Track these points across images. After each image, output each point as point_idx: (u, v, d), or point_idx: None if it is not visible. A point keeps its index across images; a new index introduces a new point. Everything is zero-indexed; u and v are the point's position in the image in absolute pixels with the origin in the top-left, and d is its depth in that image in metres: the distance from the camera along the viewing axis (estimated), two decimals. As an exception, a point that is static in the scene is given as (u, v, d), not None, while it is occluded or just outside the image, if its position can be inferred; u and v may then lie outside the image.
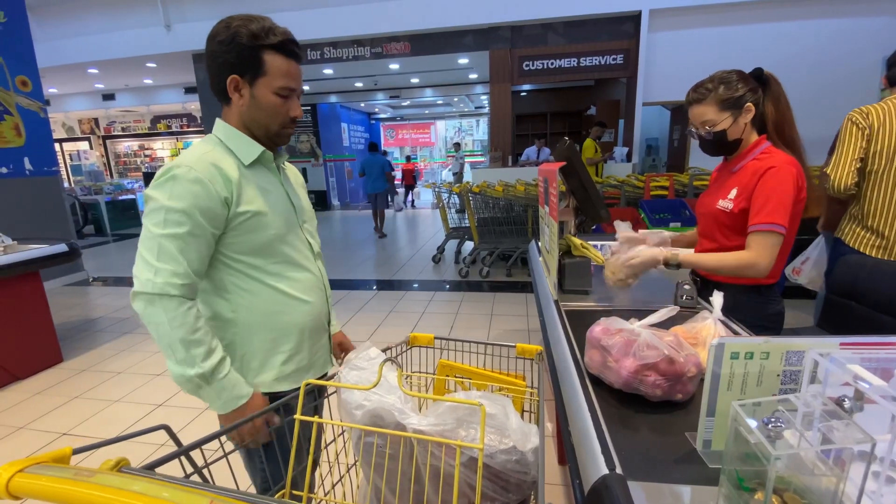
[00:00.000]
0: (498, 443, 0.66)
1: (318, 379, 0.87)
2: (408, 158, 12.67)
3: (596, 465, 0.62)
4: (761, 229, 1.14)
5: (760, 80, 1.22)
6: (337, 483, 0.86)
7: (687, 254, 1.26)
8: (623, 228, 1.37)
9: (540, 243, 1.79)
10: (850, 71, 5.51)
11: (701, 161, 5.63)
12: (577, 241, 1.40)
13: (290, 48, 0.87)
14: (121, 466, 0.47)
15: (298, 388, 0.69)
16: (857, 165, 1.69)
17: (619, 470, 0.60)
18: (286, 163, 1.05)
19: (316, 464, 0.93)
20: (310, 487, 0.77)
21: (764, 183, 1.15)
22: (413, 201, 11.75)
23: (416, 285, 4.58)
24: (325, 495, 0.81)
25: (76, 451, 0.48)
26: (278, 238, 0.93)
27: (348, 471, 0.90)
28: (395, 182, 9.33)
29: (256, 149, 0.91)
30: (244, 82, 0.87)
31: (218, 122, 0.94)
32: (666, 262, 1.24)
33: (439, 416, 0.68)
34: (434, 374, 1.10)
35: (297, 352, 0.98)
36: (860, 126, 1.67)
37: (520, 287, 4.34)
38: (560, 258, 1.29)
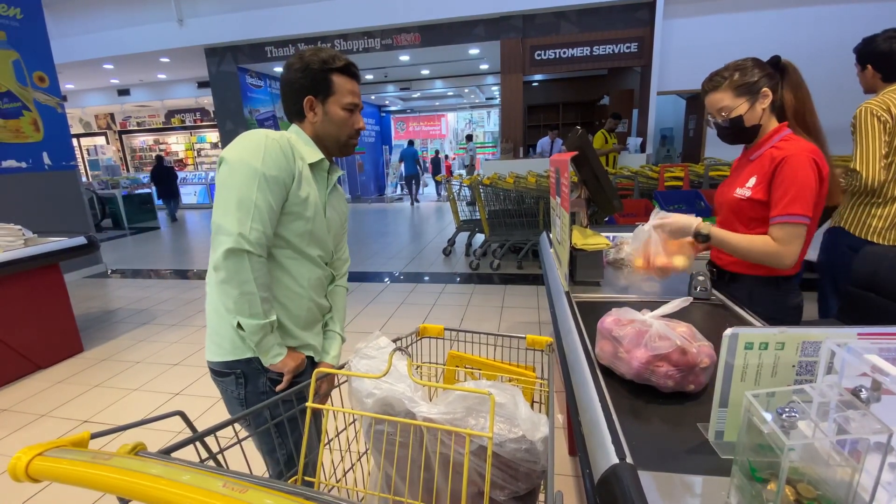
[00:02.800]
0: (507, 432, 0.66)
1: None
2: (436, 153, 13.22)
3: (606, 455, 0.62)
4: (785, 220, 1.12)
5: (777, 68, 1.20)
6: (349, 470, 0.88)
7: (717, 231, 1.20)
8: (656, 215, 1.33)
9: (551, 235, 1.78)
10: None
11: (717, 151, 5.52)
12: (588, 231, 1.39)
13: (352, 70, 1.02)
14: (137, 451, 0.48)
15: (310, 377, 0.70)
16: (886, 160, 1.67)
17: (629, 459, 0.60)
18: (338, 185, 1.13)
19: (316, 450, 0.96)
20: (322, 473, 0.78)
21: (784, 172, 1.13)
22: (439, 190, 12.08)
23: (426, 278, 4.60)
24: (338, 482, 0.82)
25: (94, 436, 0.49)
26: (307, 233, 1.00)
27: (360, 458, 0.92)
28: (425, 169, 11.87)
29: (317, 154, 1.02)
30: (318, 101, 1.01)
31: (294, 126, 1.05)
32: (697, 232, 1.19)
33: (449, 404, 0.68)
34: (444, 364, 1.10)
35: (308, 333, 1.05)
36: (882, 119, 1.65)
37: (531, 279, 4.32)
38: (571, 249, 1.28)
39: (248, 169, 0.88)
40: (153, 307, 4.02)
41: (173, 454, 0.54)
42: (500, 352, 1.12)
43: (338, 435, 0.86)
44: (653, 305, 1.21)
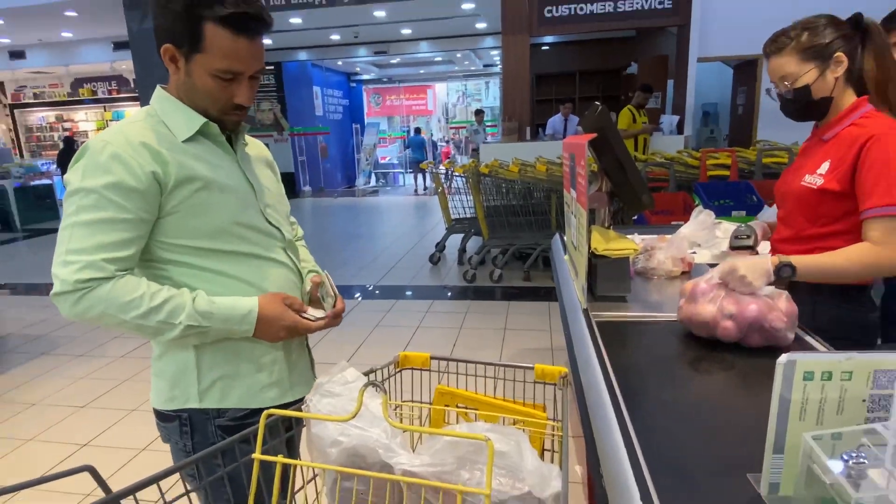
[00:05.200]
0: (510, 487, 0.67)
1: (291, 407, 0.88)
2: (416, 131, 13.87)
3: (634, 519, 0.62)
4: (883, 213, 1.13)
5: (858, 28, 1.23)
6: (307, 540, 0.87)
7: (801, 258, 1.16)
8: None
9: (565, 238, 1.80)
10: None
11: (773, 133, 5.63)
12: (610, 233, 1.41)
13: (242, 22, 0.86)
14: None
15: (263, 410, 0.70)
16: None
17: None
18: (248, 136, 1.08)
19: None
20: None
21: (872, 155, 1.15)
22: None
23: (408, 293, 4.60)
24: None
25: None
26: (233, 222, 0.96)
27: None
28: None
29: (197, 121, 0.95)
30: (180, 55, 0.90)
31: (157, 90, 0.98)
32: (777, 273, 1.14)
33: (436, 454, 0.69)
34: (430, 403, 1.11)
35: (269, 363, 1.03)
36: None
37: (541, 294, 4.35)
38: (590, 255, 1.29)
39: (70, 189, 0.87)
40: (53, 332, 3.96)
41: None
42: (502, 386, 1.12)
43: (294, 495, 0.85)
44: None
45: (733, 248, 1.48)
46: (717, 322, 1.07)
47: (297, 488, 0.88)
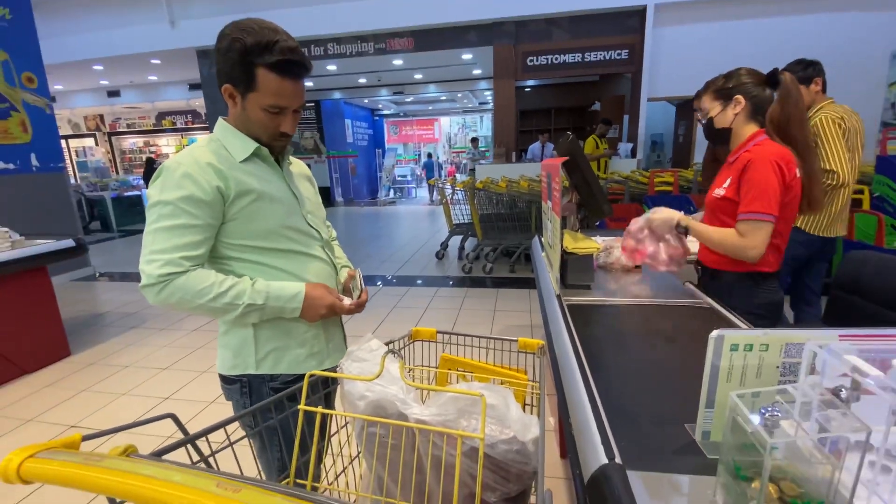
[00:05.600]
0: (499, 433, 0.66)
1: (329, 370, 0.89)
2: (429, 156, 14.32)
3: (595, 455, 0.63)
4: (747, 218, 1.20)
5: (772, 79, 1.26)
6: (340, 473, 0.88)
7: (697, 224, 1.32)
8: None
9: (543, 239, 1.79)
10: (857, 64, 5.44)
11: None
12: (578, 235, 1.40)
13: (286, 67, 0.85)
14: (129, 453, 0.48)
15: (310, 377, 0.70)
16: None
17: (618, 459, 0.61)
18: (292, 157, 1.08)
19: (321, 455, 0.95)
20: (315, 478, 0.78)
21: (748, 173, 1.20)
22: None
23: (419, 281, 4.60)
24: (329, 485, 0.82)
25: (86, 438, 0.49)
26: (281, 225, 0.96)
27: (352, 462, 0.92)
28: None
29: (251, 145, 0.94)
30: (237, 92, 0.89)
31: (219, 121, 0.98)
32: (678, 224, 1.31)
33: (441, 406, 0.68)
34: (436, 367, 1.10)
35: (311, 339, 1.02)
36: (842, 126, 1.94)
37: (523, 283, 4.34)
38: (562, 252, 1.29)
39: (151, 202, 0.87)
40: (141, 311, 3.97)
41: (164, 457, 0.54)
42: (493, 355, 1.12)
43: (330, 438, 0.86)
44: (641, 308, 1.23)
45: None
46: (633, 250, 1.35)
47: (332, 433, 0.88)
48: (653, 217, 1.32)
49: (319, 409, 0.68)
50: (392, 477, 0.72)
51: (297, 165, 1.10)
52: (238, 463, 0.69)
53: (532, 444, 0.67)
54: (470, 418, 0.68)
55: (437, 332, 1.15)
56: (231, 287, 0.89)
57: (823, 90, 2.05)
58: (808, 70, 2.02)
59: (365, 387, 0.71)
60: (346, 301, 1.04)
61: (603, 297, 1.32)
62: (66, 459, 0.39)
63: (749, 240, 1.19)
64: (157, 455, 0.54)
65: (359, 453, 0.90)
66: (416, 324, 3.42)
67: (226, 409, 2.25)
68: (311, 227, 1.04)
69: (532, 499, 0.80)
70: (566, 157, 1.23)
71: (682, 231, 1.31)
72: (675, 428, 0.70)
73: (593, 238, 1.49)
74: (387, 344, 0.95)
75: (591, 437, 0.66)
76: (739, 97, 1.26)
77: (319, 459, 0.94)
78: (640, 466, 0.60)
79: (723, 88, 1.28)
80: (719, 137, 1.32)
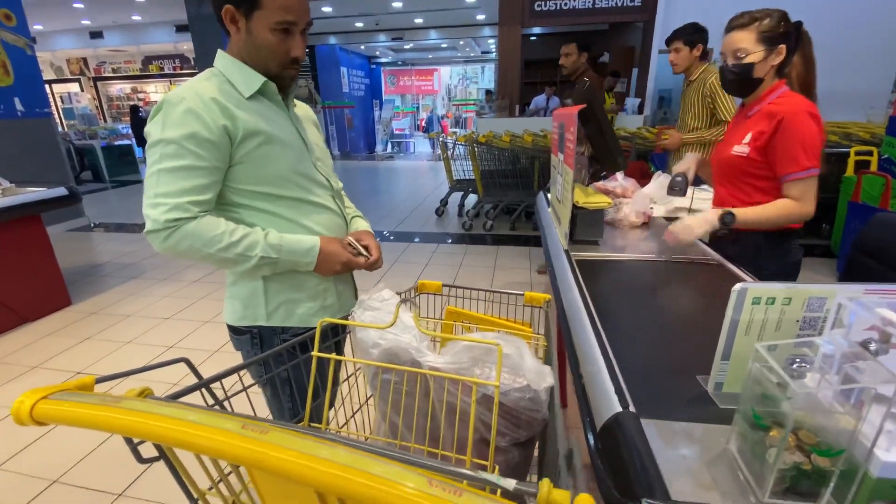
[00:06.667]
0: (512, 381, 0.67)
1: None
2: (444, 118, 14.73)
3: (609, 404, 0.63)
4: (800, 177, 1.13)
5: (798, 32, 1.18)
6: (351, 417, 0.89)
7: (747, 212, 1.19)
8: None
9: (550, 194, 1.76)
10: (872, 24, 5.16)
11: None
12: (589, 189, 1.37)
13: None
14: (145, 395, 0.48)
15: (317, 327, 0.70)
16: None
17: (631, 408, 0.61)
18: (296, 100, 1.01)
19: (332, 400, 0.97)
20: (326, 422, 0.80)
21: (788, 130, 1.13)
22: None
23: (418, 238, 4.58)
24: (340, 427, 0.84)
25: (99, 381, 0.48)
26: (292, 171, 0.91)
27: (360, 407, 0.93)
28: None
29: (257, 80, 0.87)
30: (240, 14, 0.82)
31: (219, 53, 0.90)
32: (721, 220, 1.17)
33: (455, 355, 0.68)
34: (442, 319, 1.11)
35: (322, 292, 1.00)
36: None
37: (523, 241, 4.33)
38: (573, 208, 1.26)
39: (152, 141, 0.81)
40: (141, 262, 3.96)
41: (180, 400, 0.54)
42: (496, 308, 1.12)
43: (341, 384, 0.87)
44: (650, 264, 1.22)
45: (669, 193, 1.49)
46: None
47: (342, 379, 0.89)
48: (681, 234, 1.17)
49: (333, 356, 0.68)
50: (405, 422, 0.73)
51: (302, 108, 1.05)
52: (252, 407, 0.70)
53: (545, 392, 0.68)
54: (483, 367, 0.68)
55: (444, 285, 1.16)
56: (243, 237, 0.85)
57: (703, 57, 2.48)
58: (694, 36, 2.41)
59: (378, 334, 0.71)
60: (361, 259, 1.02)
61: (611, 252, 1.31)
62: (81, 401, 0.38)
63: (807, 201, 1.13)
64: (174, 398, 0.54)
65: (367, 398, 0.92)
66: (417, 279, 3.43)
67: (232, 358, 2.28)
68: (321, 174, 1.00)
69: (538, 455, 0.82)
70: (583, 105, 1.17)
71: (730, 221, 1.16)
72: (686, 379, 0.70)
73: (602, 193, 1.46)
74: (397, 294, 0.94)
75: (604, 387, 0.67)
76: (782, 47, 1.15)
77: (331, 405, 0.96)
78: (652, 415, 0.61)
79: (770, 32, 1.14)
80: (747, 87, 1.22)
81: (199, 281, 3.47)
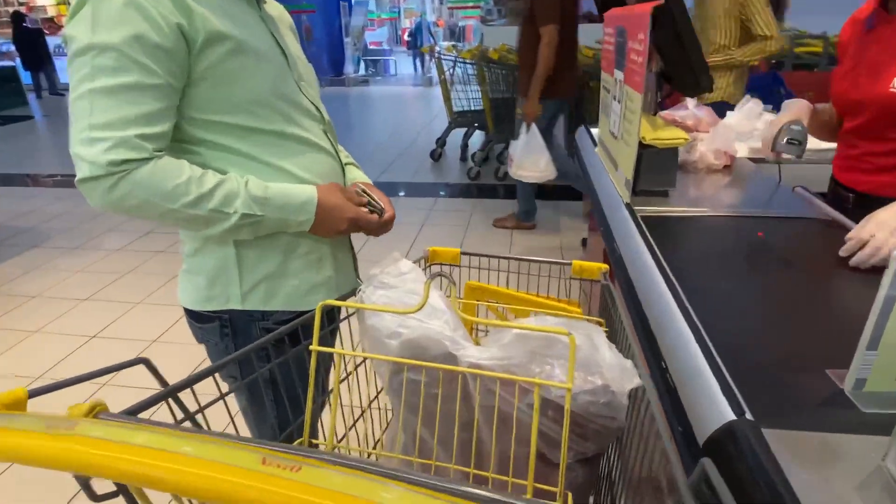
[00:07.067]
0: (582, 381, 0.65)
1: (342, 299, 0.85)
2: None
3: (715, 410, 0.61)
4: None
5: None
6: (350, 428, 0.88)
7: None
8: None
9: (599, 129, 1.70)
10: None
11: (802, 19, 5.26)
12: (658, 120, 1.32)
13: None
14: (98, 413, 0.45)
15: (312, 311, 0.66)
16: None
17: (749, 415, 0.59)
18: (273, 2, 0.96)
19: (323, 406, 0.95)
20: (313, 433, 0.78)
21: None
22: None
23: (410, 190, 4.52)
24: (339, 442, 0.83)
25: (32, 395, 0.45)
26: (271, 94, 0.86)
27: (361, 415, 0.92)
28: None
29: None
30: None
31: None
32: None
33: (504, 348, 0.66)
34: (461, 298, 1.09)
35: (316, 262, 0.97)
36: None
37: (550, 192, 4.27)
38: (639, 147, 1.21)
39: (79, 47, 0.73)
40: (43, 224, 3.89)
41: (140, 416, 0.51)
42: (527, 283, 1.09)
43: (339, 384, 0.85)
44: (740, 221, 1.19)
45: (779, 151, 1.29)
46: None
47: (341, 379, 0.87)
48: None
49: (339, 350, 0.66)
50: (432, 433, 0.71)
51: (274, 7, 0.98)
52: (233, 420, 0.68)
53: (627, 396, 0.66)
54: (543, 363, 0.66)
55: (462, 253, 1.13)
56: (217, 186, 0.80)
57: None
58: None
59: (397, 321, 0.68)
60: (373, 215, 0.99)
61: (686, 206, 1.28)
62: (23, 427, 0.35)
63: None
64: (131, 413, 0.51)
65: (370, 403, 0.90)
66: (410, 246, 3.41)
67: (181, 350, 2.27)
68: (308, 98, 0.94)
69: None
70: (657, 2, 1.10)
71: None
72: (812, 375, 0.68)
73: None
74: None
75: (707, 387, 0.65)
76: None
77: (319, 411, 0.94)
78: (774, 423, 0.59)
79: None
80: None
81: (122, 250, 3.43)
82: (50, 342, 2.47)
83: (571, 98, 3.48)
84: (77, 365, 2.27)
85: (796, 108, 1.32)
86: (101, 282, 3.00)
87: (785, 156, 1.29)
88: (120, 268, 3.16)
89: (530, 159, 3.25)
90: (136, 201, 0.76)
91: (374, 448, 0.89)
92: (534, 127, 3.21)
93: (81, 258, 3.32)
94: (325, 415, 0.94)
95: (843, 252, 0.96)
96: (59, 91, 9.26)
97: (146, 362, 0.54)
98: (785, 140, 1.26)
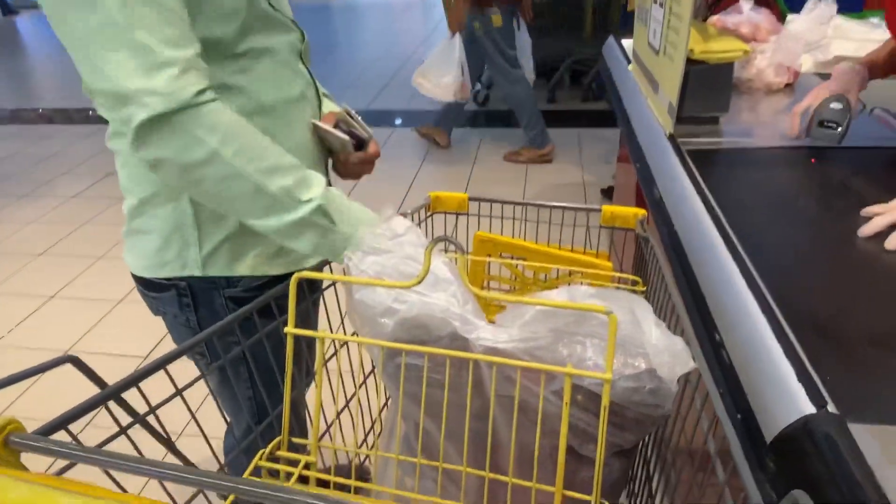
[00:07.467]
0: (622, 365, 0.61)
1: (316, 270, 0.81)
2: None
3: (790, 401, 0.58)
4: None
5: None
6: (335, 420, 0.85)
7: None
8: None
9: (634, 42, 1.61)
10: None
11: None
12: (709, 27, 1.23)
13: None
14: (9, 433, 0.41)
15: (286, 280, 0.62)
16: None
17: (831, 407, 0.56)
18: None
19: (309, 386, 0.93)
20: (300, 422, 0.75)
21: None
22: None
23: (398, 120, 4.40)
24: (320, 439, 0.80)
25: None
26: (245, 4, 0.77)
27: (344, 407, 0.89)
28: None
29: None
30: None
31: None
32: None
33: (525, 327, 0.63)
34: (469, 253, 1.04)
35: None
36: None
37: (567, 118, 4.18)
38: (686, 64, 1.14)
39: None
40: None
41: (71, 426, 0.47)
42: (545, 232, 1.06)
43: (322, 367, 0.81)
44: (810, 155, 1.12)
45: (815, 137, 1.13)
46: None
47: (326, 360, 0.84)
48: None
49: (320, 334, 0.62)
50: (438, 427, 0.68)
51: None
52: (199, 425, 0.64)
53: (676, 382, 0.62)
54: (573, 344, 0.62)
55: (470, 198, 1.09)
56: (294, 166, 0.73)
57: None
58: None
59: (391, 295, 0.64)
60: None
61: (741, 136, 1.24)
62: None
63: None
64: (62, 424, 0.47)
65: (354, 394, 0.87)
66: (409, 186, 3.35)
67: (144, 312, 2.26)
68: (280, 13, 0.87)
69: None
70: None
71: None
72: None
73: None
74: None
75: (778, 373, 0.61)
76: None
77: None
78: (862, 417, 0.56)
79: None
80: None
81: (78, 196, 3.39)
82: (1, 305, 2.46)
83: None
84: (35, 330, 2.28)
85: (846, 78, 1.16)
86: (58, 233, 2.99)
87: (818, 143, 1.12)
88: (76, 218, 3.14)
89: (435, 71, 3.27)
90: (204, 153, 0.66)
91: (371, 447, 0.87)
92: (457, 39, 3.20)
93: (32, 208, 3.30)
94: (311, 393, 0.92)
95: None
96: (11, 9, 8.91)
97: (75, 361, 0.49)
98: (818, 122, 1.09)
